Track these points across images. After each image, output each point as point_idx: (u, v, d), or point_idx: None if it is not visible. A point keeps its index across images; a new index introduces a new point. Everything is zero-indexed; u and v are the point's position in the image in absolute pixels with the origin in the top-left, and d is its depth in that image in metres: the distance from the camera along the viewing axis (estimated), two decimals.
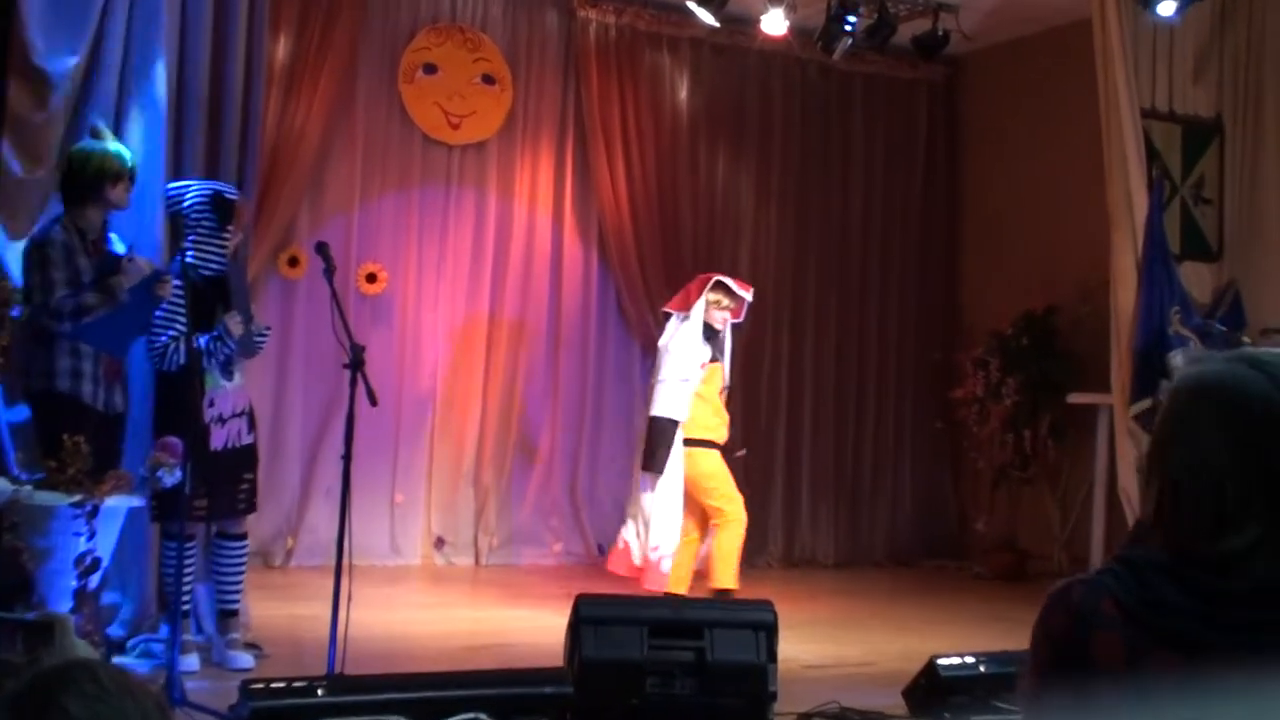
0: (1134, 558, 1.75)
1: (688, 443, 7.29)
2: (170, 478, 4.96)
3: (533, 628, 6.83)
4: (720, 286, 7.46)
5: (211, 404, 5.50)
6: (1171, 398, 1.79)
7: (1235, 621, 1.63)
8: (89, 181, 5.28)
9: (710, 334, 7.42)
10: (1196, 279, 8.19)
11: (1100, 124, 7.96)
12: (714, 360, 7.46)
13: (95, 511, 4.73)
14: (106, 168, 5.30)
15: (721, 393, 7.55)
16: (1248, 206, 8.32)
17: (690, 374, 7.32)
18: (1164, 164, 8.14)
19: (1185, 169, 8.31)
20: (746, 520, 7.38)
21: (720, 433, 7.48)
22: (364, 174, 9.01)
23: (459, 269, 9.28)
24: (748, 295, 7.54)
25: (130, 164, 5.39)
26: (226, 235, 5.59)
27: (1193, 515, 1.71)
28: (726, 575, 7.18)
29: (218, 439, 5.53)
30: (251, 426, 5.73)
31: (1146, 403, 7.82)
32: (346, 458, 4.97)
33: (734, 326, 7.69)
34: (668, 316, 7.62)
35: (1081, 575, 1.81)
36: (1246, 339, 7.78)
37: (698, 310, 7.40)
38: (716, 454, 7.41)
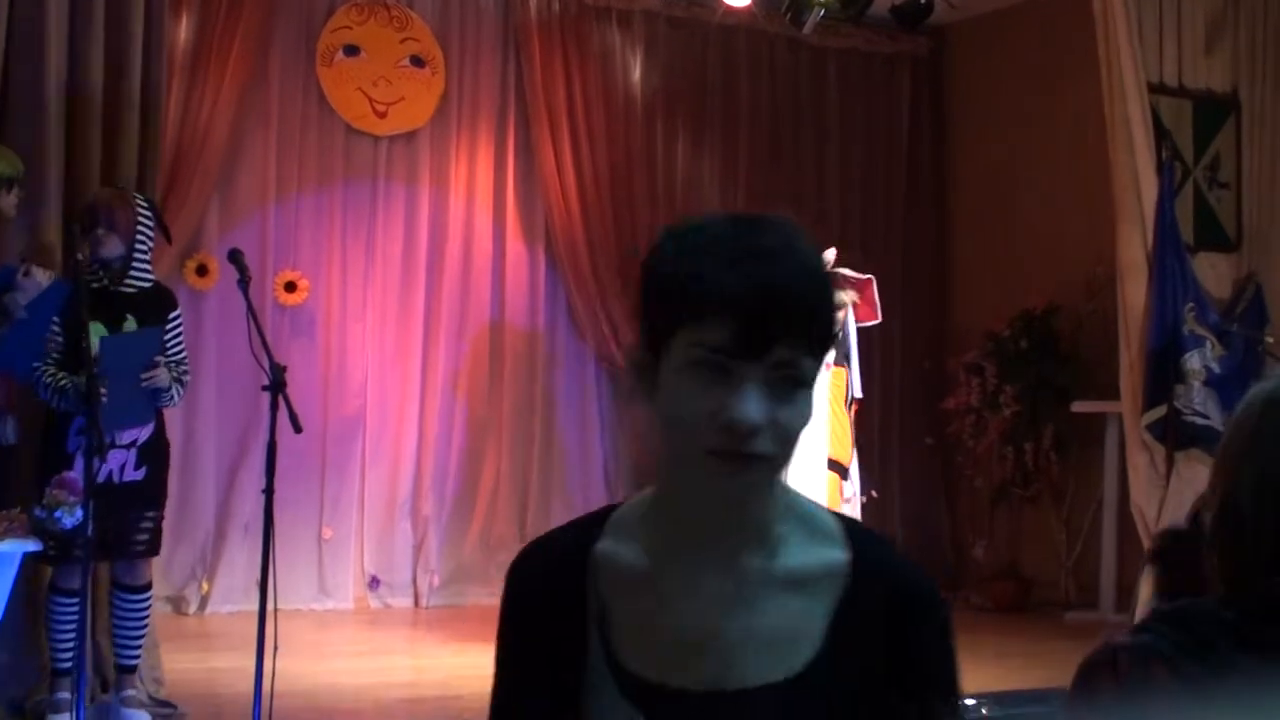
0: (1187, 612, 1.69)
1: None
2: (70, 518, 4.94)
3: (480, 676, 6.77)
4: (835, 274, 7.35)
5: (81, 431, 5.44)
6: (1245, 409, 1.75)
7: None
8: None
9: None
10: (1213, 272, 8.25)
11: (1103, 100, 8.04)
12: (836, 364, 7.29)
13: None
14: None
15: (849, 405, 7.40)
16: (1268, 191, 8.40)
17: None
18: (1174, 144, 8.20)
19: (1198, 149, 8.37)
20: None
21: (842, 452, 7.35)
22: (280, 169, 8.99)
23: (389, 275, 9.28)
24: (867, 280, 7.32)
25: (13, 171, 5.36)
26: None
27: (1254, 545, 1.68)
28: None
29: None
30: (148, 460, 5.68)
31: (1160, 410, 7.90)
32: (268, 491, 4.97)
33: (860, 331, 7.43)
34: None
35: (1122, 639, 1.73)
36: (1269, 337, 7.87)
37: None
38: (835, 479, 7.29)
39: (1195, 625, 1.66)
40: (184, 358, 5.77)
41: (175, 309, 5.78)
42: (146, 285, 5.66)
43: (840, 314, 7.28)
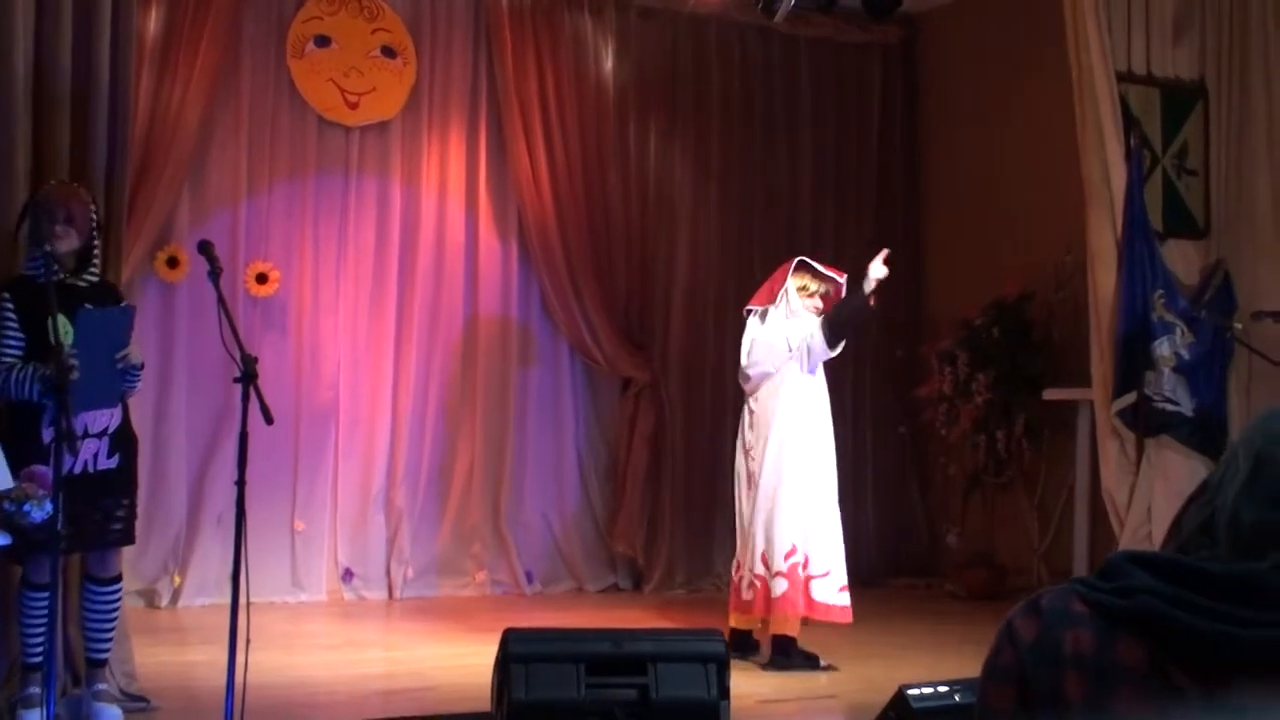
0: (1110, 563, 1.80)
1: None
2: (39, 512, 4.91)
3: (455, 667, 6.83)
4: (805, 268, 7.31)
5: (54, 423, 5.42)
6: (1245, 432, 1.83)
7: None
8: None
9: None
10: (1182, 259, 8.28)
11: (1072, 88, 8.07)
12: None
13: None
14: None
15: None
16: (1235, 178, 8.43)
17: (774, 365, 7.18)
18: (1143, 132, 8.22)
19: (1166, 137, 8.40)
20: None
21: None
22: (251, 161, 8.96)
23: (361, 266, 9.26)
24: (840, 278, 7.32)
25: None
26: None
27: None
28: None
29: (65, 463, 5.42)
30: (120, 448, 5.66)
31: (1130, 397, 7.93)
32: (240, 483, 4.96)
33: None
34: (749, 316, 7.41)
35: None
36: (1238, 324, 7.91)
37: (784, 298, 7.22)
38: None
39: (1110, 565, 1.79)
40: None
41: (131, 305, 5.76)
42: (96, 280, 5.65)
43: (811, 308, 7.27)
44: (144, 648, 6.36)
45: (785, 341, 7.18)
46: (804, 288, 7.29)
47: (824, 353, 7.18)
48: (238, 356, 5.01)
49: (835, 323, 7.14)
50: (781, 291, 7.27)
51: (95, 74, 5.92)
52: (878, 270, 7.16)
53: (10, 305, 5.45)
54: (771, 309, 7.29)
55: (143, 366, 5.68)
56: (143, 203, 8.16)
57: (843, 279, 7.34)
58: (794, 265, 7.34)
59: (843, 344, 7.22)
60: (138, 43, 7.33)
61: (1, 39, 5.69)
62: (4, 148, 5.70)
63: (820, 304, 7.30)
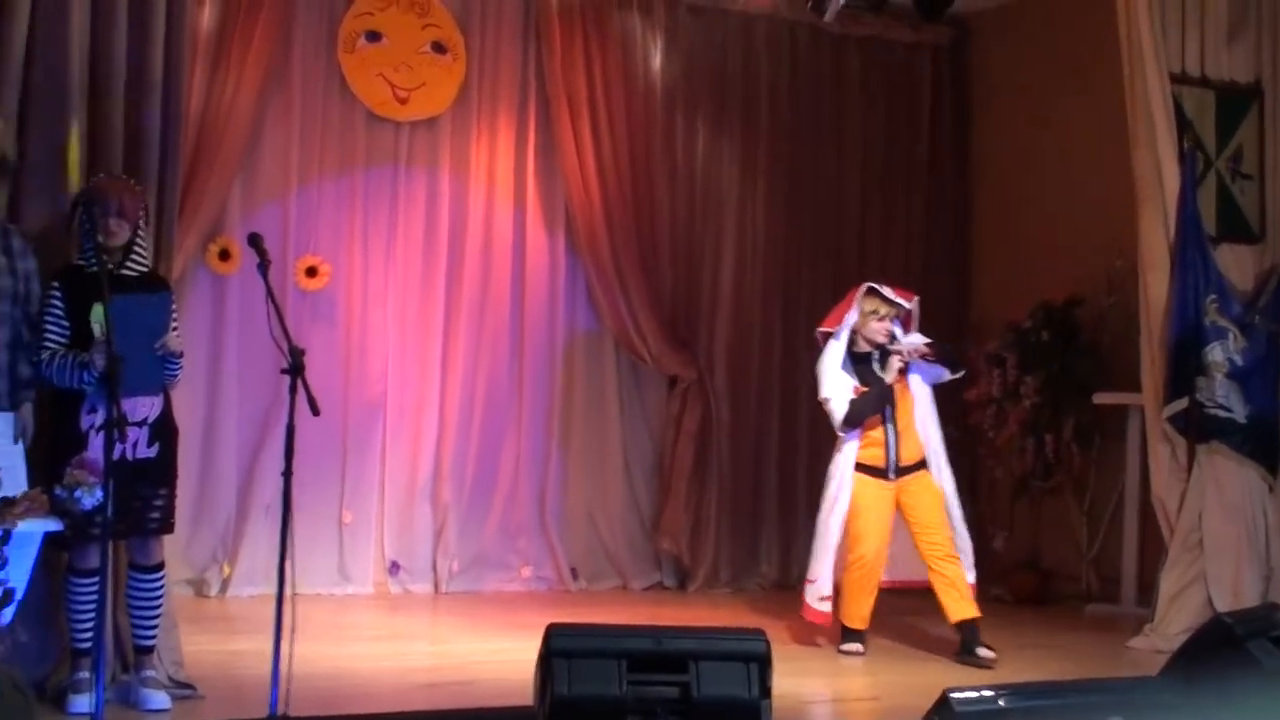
0: None
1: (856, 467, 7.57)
2: (90, 498, 4.97)
3: (499, 662, 6.85)
4: (875, 294, 7.52)
5: (94, 410, 5.47)
6: None
7: None
8: None
9: (863, 354, 7.53)
10: (1236, 263, 8.22)
11: (1124, 90, 8.01)
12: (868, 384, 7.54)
13: (7, 537, 4.74)
14: None
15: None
16: None
17: (839, 402, 7.48)
18: (1197, 135, 8.18)
19: (1221, 140, 8.34)
20: (870, 565, 7.53)
21: (875, 457, 7.60)
22: (301, 155, 9.00)
23: (410, 260, 9.29)
24: (908, 304, 7.56)
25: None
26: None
27: None
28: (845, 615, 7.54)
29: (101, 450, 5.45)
30: (160, 437, 5.71)
31: (1182, 403, 7.88)
32: (287, 473, 4.99)
33: None
34: (826, 338, 7.67)
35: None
36: None
37: (848, 324, 7.51)
38: (874, 483, 7.55)
39: None
40: (181, 339, 5.77)
41: (170, 293, 5.80)
42: (145, 270, 5.70)
43: (881, 332, 7.51)
44: (191, 636, 6.41)
45: (850, 381, 7.47)
46: (874, 311, 7.44)
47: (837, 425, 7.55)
48: (285, 348, 5.05)
49: (854, 413, 7.46)
50: (849, 315, 7.47)
51: (149, 68, 5.96)
52: (914, 340, 7.47)
53: (58, 294, 5.51)
54: (834, 341, 7.53)
55: (182, 355, 5.71)
56: (195, 195, 8.22)
57: (912, 303, 7.46)
58: (863, 291, 7.51)
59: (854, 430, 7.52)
60: (191, 37, 7.40)
61: (58, 34, 5.75)
62: (59, 141, 5.76)
63: (889, 326, 7.39)
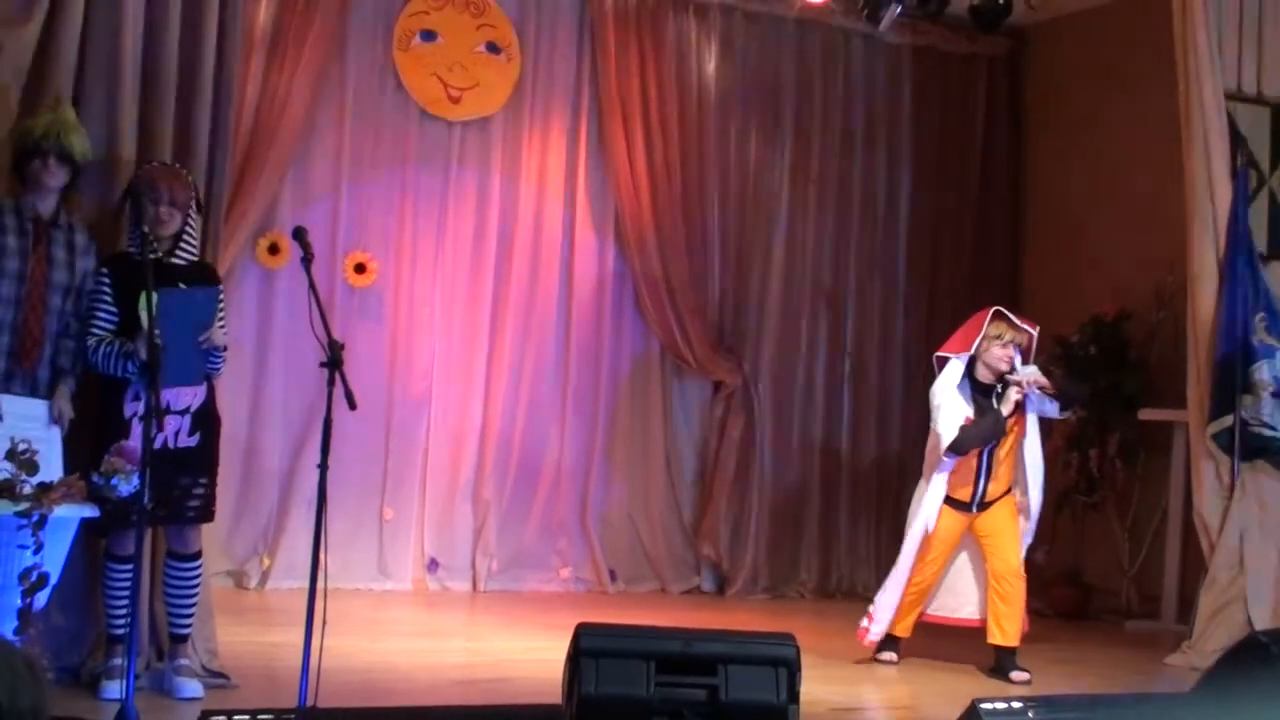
0: None
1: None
2: (126, 486, 5.01)
3: (534, 661, 6.86)
4: (1002, 318, 7.33)
5: (137, 398, 5.50)
6: None
7: None
8: (15, 157, 5.42)
9: (983, 381, 7.32)
10: None
11: (1179, 105, 7.96)
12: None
13: (43, 522, 4.78)
14: (24, 140, 5.41)
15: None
16: None
17: (949, 426, 7.25)
18: (1250, 151, 8.12)
19: (1275, 158, 8.29)
20: (926, 588, 7.50)
21: (962, 491, 7.40)
22: (353, 152, 9.05)
23: (458, 259, 9.33)
24: (1033, 330, 7.40)
25: (53, 138, 5.42)
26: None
27: None
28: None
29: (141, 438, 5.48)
30: (201, 427, 5.75)
31: (1226, 420, 7.81)
32: (322, 467, 5.02)
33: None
34: (943, 363, 7.44)
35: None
36: None
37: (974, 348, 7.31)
38: (952, 515, 7.40)
39: None
40: (226, 332, 5.81)
41: (219, 284, 5.84)
42: (194, 258, 5.75)
43: (1003, 359, 7.28)
44: (228, 627, 6.45)
45: (965, 408, 7.26)
46: (999, 336, 7.28)
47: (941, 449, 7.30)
48: (324, 341, 5.07)
49: (961, 440, 7.19)
50: (977, 340, 7.30)
51: (201, 62, 6.02)
52: (1030, 371, 7.26)
53: (107, 281, 5.57)
54: (955, 360, 7.35)
55: (225, 349, 5.76)
56: (246, 189, 8.27)
57: (1035, 330, 7.36)
58: (991, 315, 7.35)
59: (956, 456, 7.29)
60: (248, 33, 7.47)
61: (112, 27, 5.82)
62: (111, 132, 5.82)
63: (1012, 353, 7.28)
